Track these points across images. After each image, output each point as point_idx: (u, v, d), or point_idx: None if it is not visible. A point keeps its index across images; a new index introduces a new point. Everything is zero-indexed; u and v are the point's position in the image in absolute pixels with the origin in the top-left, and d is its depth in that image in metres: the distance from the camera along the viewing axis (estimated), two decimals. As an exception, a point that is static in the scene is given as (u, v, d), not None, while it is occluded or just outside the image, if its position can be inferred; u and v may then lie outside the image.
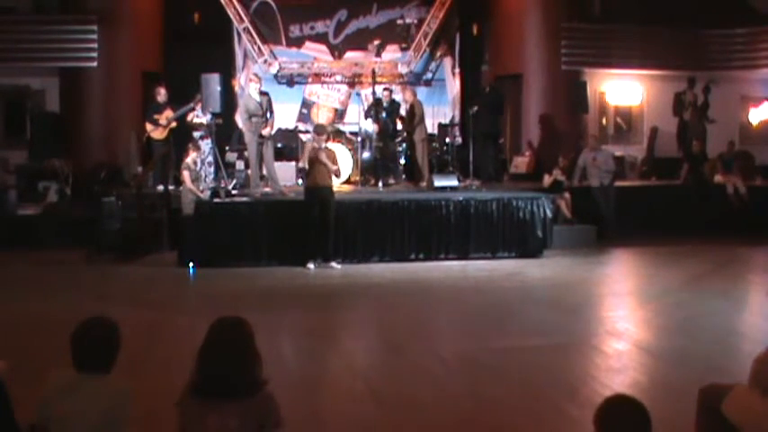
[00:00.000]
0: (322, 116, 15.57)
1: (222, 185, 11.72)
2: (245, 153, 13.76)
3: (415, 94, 13.84)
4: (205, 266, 10.21)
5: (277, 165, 12.69)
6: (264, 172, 12.15)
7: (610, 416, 2.60)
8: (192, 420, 2.96)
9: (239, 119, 12.23)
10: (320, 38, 15.87)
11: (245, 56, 15.72)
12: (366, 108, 14.01)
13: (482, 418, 5.10)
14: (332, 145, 13.08)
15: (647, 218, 13.15)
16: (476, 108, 13.96)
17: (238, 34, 15.55)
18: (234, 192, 11.51)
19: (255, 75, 13.41)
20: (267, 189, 12.42)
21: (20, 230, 11.92)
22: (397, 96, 14.33)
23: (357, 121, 13.90)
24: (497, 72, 16.09)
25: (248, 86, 12.38)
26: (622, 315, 8.04)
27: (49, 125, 13.92)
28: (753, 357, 3.40)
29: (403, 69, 15.94)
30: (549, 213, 11.41)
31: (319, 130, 10.76)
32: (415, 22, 15.95)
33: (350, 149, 13.24)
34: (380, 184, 12.91)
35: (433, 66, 16.33)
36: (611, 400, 2.68)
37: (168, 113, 12.51)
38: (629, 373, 5.97)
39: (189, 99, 12.54)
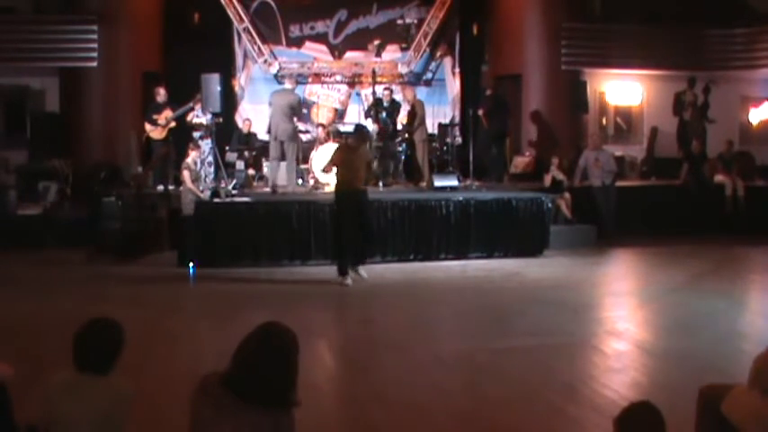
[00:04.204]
0: (322, 116, 15.57)
1: (222, 185, 11.73)
2: (246, 153, 13.81)
3: (416, 95, 13.86)
4: (205, 266, 10.21)
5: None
6: (266, 170, 12.24)
7: (629, 421, 2.70)
8: (205, 423, 2.87)
9: (280, 117, 12.14)
10: (320, 38, 15.87)
11: (245, 56, 15.71)
12: (366, 108, 14.01)
13: (482, 417, 5.10)
14: (332, 145, 13.12)
15: (647, 218, 13.14)
16: (481, 111, 14.08)
17: (238, 34, 15.55)
18: (234, 192, 11.52)
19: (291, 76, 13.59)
20: (266, 189, 12.46)
21: (20, 230, 11.91)
22: (398, 96, 14.35)
23: (357, 121, 13.89)
24: (497, 72, 16.10)
25: (295, 86, 12.64)
26: (622, 315, 8.05)
27: (49, 125, 13.92)
28: (753, 357, 3.40)
29: (403, 69, 15.94)
30: (548, 213, 11.41)
31: (360, 133, 10.04)
32: (415, 22, 15.96)
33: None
34: (380, 184, 12.91)
35: (433, 66, 16.33)
36: (632, 406, 2.79)
37: (167, 113, 12.51)
38: (629, 373, 5.97)
39: (189, 99, 12.55)
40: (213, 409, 2.81)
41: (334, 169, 9.57)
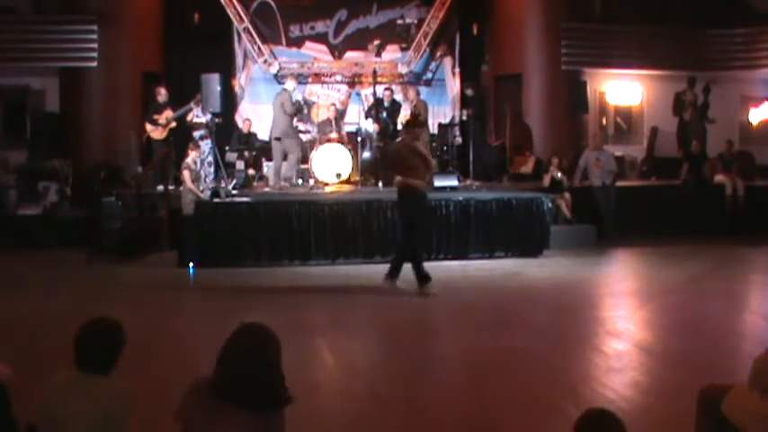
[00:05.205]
0: (322, 116, 15.57)
1: (222, 185, 11.73)
2: (246, 153, 13.82)
3: (418, 94, 13.89)
4: (205, 266, 10.21)
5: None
6: (273, 168, 12.35)
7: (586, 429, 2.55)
8: (197, 425, 2.86)
9: (279, 116, 12.31)
10: (320, 38, 15.87)
11: (245, 56, 15.71)
12: (367, 108, 14.01)
13: (482, 417, 5.10)
14: (332, 145, 13.15)
15: (647, 218, 13.14)
16: (465, 113, 14.20)
17: (238, 34, 15.55)
18: (234, 192, 11.52)
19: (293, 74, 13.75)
20: (267, 189, 12.47)
21: (20, 230, 11.92)
22: (398, 96, 14.35)
23: (357, 121, 13.91)
24: (497, 72, 16.12)
25: (288, 85, 12.72)
26: (622, 315, 8.04)
27: (49, 125, 13.92)
28: (753, 357, 3.40)
29: (403, 69, 15.94)
30: (548, 213, 11.41)
31: (412, 127, 9.19)
32: (415, 22, 15.96)
33: (350, 149, 13.24)
34: (380, 184, 12.90)
35: (433, 66, 16.34)
36: (588, 414, 2.61)
37: (168, 113, 12.51)
38: (629, 373, 5.96)
39: (189, 99, 12.55)
40: (204, 413, 2.82)
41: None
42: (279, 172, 12.50)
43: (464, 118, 14.61)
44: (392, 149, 9.44)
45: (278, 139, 12.32)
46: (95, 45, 13.81)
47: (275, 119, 12.42)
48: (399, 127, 13.88)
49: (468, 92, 15.02)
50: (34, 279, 9.75)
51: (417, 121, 9.83)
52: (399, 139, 9.70)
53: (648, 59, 15.56)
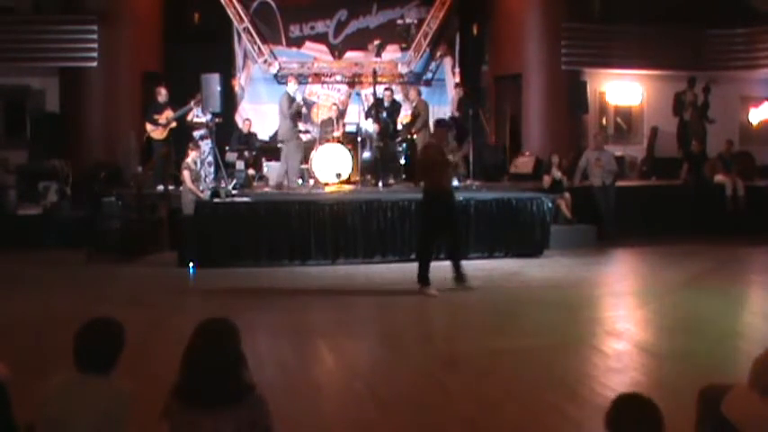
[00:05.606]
0: (323, 116, 15.59)
1: (222, 185, 11.73)
2: (246, 153, 13.83)
3: (420, 94, 13.88)
4: (205, 266, 10.21)
5: (275, 164, 12.82)
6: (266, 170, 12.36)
7: (622, 415, 2.58)
8: (184, 429, 2.90)
9: (280, 117, 12.39)
10: (320, 38, 15.88)
11: (245, 56, 15.71)
12: (367, 108, 14.01)
13: (481, 418, 5.09)
14: (332, 145, 13.16)
15: (647, 218, 13.14)
16: (459, 114, 14.26)
17: (238, 34, 15.55)
18: (234, 192, 11.52)
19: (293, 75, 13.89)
20: (267, 189, 12.48)
21: (20, 230, 11.92)
22: (398, 96, 14.35)
23: (357, 121, 13.92)
24: (497, 72, 16.12)
25: (289, 86, 12.74)
26: (622, 315, 8.04)
27: (49, 125, 13.94)
28: (752, 357, 3.40)
29: (403, 69, 15.94)
30: (548, 213, 11.41)
31: (441, 128, 9.24)
32: (415, 22, 15.96)
33: (350, 149, 13.25)
34: (380, 184, 12.91)
35: (433, 66, 16.34)
36: (623, 399, 2.65)
37: (168, 113, 12.52)
38: (629, 373, 5.96)
39: (189, 99, 12.56)
40: (186, 414, 2.86)
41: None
42: (282, 174, 12.52)
43: (449, 122, 14.61)
44: (424, 152, 9.43)
45: (281, 142, 12.38)
46: (95, 45, 13.81)
47: (279, 122, 12.54)
48: (399, 127, 13.93)
49: (459, 93, 14.99)
50: (34, 279, 9.76)
51: (444, 122, 9.90)
52: (426, 141, 9.67)
53: (648, 59, 15.56)
